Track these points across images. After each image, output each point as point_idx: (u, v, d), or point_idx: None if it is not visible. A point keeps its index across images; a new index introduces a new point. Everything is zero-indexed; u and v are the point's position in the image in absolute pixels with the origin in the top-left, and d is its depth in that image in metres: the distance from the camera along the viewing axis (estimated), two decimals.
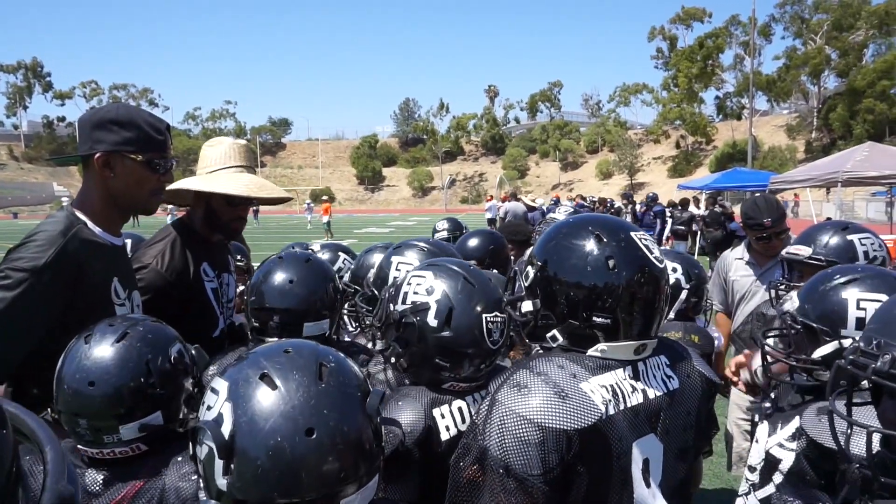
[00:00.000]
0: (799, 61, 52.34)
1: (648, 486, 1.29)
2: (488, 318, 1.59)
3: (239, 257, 3.28)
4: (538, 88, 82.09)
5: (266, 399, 0.94)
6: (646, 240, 1.36)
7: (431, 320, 1.58)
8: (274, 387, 0.95)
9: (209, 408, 0.97)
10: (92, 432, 1.35)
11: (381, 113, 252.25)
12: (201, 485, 0.99)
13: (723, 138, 56.55)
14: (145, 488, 1.34)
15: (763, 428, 1.68)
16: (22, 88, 73.06)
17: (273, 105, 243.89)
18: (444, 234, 3.69)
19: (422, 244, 2.18)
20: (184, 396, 1.46)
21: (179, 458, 1.37)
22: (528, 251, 1.41)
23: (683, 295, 2.57)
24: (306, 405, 0.95)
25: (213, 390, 0.99)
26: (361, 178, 71.92)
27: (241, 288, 2.71)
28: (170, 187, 2.07)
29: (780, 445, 1.58)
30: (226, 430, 0.93)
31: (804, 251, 2.40)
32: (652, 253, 1.34)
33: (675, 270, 2.59)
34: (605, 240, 1.32)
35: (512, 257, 3.47)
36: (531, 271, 1.38)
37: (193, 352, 1.54)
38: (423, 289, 1.62)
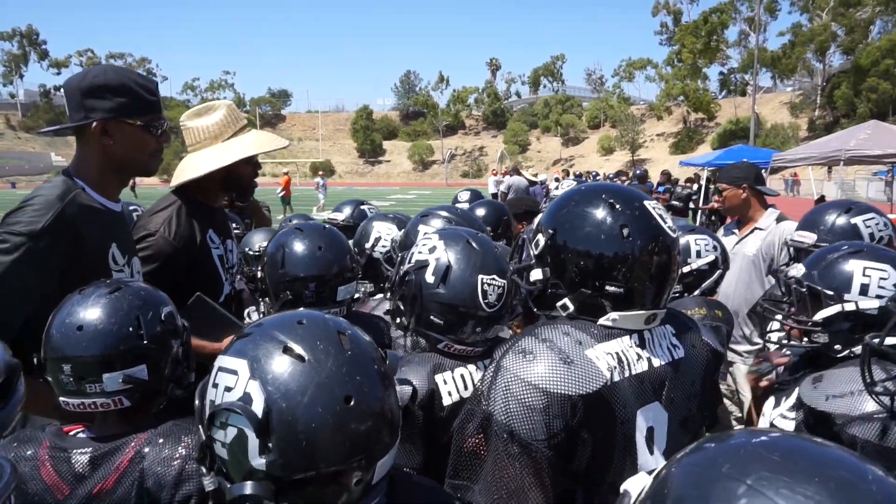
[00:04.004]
0: (804, 38, 51.64)
1: (652, 453, 1.30)
2: (485, 280, 1.61)
3: (234, 225, 3.34)
4: (541, 62, 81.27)
5: (297, 372, 0.94)
6: (659, 209, 1.35)
7: (429, 276, 1.63)
8: (301, 359, 0.95)
9: (228, 389, 0.95)
10: (75, 380, 1.35)
11: (383, 85, 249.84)
12: (203, 470, 0.98)
13: (726, 115, 56.04)
14: (128, 471, 1.33)
15: (769, 402, 1.71)
16: (18, 56, 72.12)
17: (272, 76, 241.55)
18: (466, 205, 3.72)
19: (446, 213, 2.23)
20: (170, 358, 1.45)
21: (160, 440, 1.36)
22: (537, 219, 1.40)
23: (717, 274, 2.60)
24: (339, 374, 0.95)
25: (228, 370, 0.97)
26: (361, 151, 71.46)
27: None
28: (207, 169, 2.14)
29: (783, 416, 1.61)
30: (258, 408, 0.92)
31: (809, 238, 2.39)
32: (665, 222, 1.33)
33: (715, 249, 2.66)
34: (618, 208, 1.30)
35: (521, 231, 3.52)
36: (541, 239, 1.37)
37: (184, 321, 1.54)
38: (427, 249, 1.67)
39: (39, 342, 1.42)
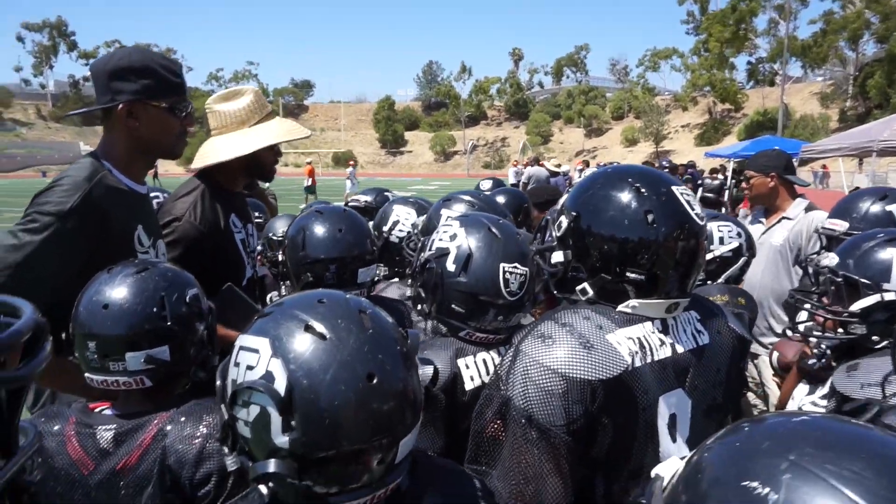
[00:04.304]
0: (837, 26, 50.19)
1: (675, 440, 1.28)
2: (507, 269, 1.59)
3: (257, 214, 3.38)
4: (564, 52, 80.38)
5: (319, 350, 0.93)
6: (687, 195, 1.31)
7: (450, 265, 1.61)
8: (323, 337, 0.94)
9: (250, 367, 0.95)
10: (100, 357, 1.37)
11: (405, 76, 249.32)
12: (225, 449, 0.98)
13: (753, 106, 54.88)
14: (151, 448, 1.35)
15: (801, 388, 1.67)
16: (48, 48, 73.40)
17: (295, 66, 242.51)
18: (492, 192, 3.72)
19: (469, 198, 2.22)
20: (194, 340, 1.46)
21: (182, 419, 1.37)
22: (561, 200, 1.38)
23: (742, 261, 2.54)
24: (360, 352, 0.95)
25: (249, 349, 0.97)
26: (383, 142, 71.50)
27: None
28: (233, 154, 2.16)
29: (814, 404, 1.58)
30: (280, 386, 0.92)
31: (841, 226, 2.33)
32: (693, 209, 1.29)
33: (739, 235, 2.59)
34: (644, 193, 1.27)
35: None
36: (564, 221, 1.34)
37: (209, 303, 1.55)
38: (448, 236, 1.65)
39: (67, 321, 1.44)
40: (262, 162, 2.36)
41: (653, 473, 0.73)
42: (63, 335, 1.68)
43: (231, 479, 1.32)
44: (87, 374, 1.40)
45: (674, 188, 1.30)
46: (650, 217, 1.25)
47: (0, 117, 64.02)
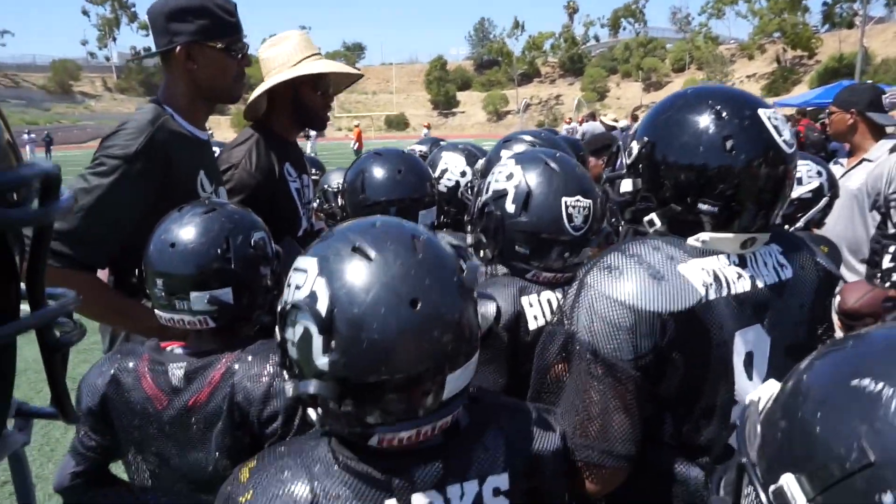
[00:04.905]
0: None
1: (751, 378, 1.21)
2: (569, 203, 1.53)
3: (314, 171, 3.38)
4: (622, 2, 76.78)
5: (363, 270, 0.90)
6: (776, 119, 1.19)
7: (509, 206, 1.55)
8: (369, 259, 0.91)
9: (298, 287, 0.94)
10: (167, 295, 1.40)
11: (456, 35, 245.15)
12: (286, 377, 0.97)
13: (828, 52, 51.24)
14: (220, 386, 1.37)
15: None
16: (111, 20, 75.69)
17: (347, 29, 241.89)
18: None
19: (530, 137, 2.15)
20: (260, 284, 1.46)
21: (250, 358, 1.39)
22: (635, 125, 1.30)
23: (823, 202, 2.38)
24: (407, 275, 0.91)
25: (300, 269, 0.96)
26: (436, 103, 70.97)
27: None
28: (271, 83, 2.13)
29: None
30: (322, 306, 0.89)
31: None
32: (781, 135, 1.17)
33: (819, 174, 2.42)
34: (725, 116, 1.16)
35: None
36: (634, 147, 1.26)
37: (277, 247, 1.55)
38: (504, 176, 1.59)
39: (136, 263, 1.48)
40: (307, 104, 2.31)
41: (747, 399, 0.67)
42: (133, 279, 1.75)
43: (298, 417, 1.35)
44: (157, 311, 1.44)
45: (760, 111, 1.18)
46: (729, 143, 1.15)
47: (70, 90, 66.86)
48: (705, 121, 1.18)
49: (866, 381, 0.53)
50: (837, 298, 2.13)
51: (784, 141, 1.18)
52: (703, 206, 1.19)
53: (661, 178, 1.22)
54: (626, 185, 1.28)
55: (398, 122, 66.70)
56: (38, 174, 0.47)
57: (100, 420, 1.44)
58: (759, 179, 1.17)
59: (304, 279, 0.93)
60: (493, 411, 1.10)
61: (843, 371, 0.57)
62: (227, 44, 1.84)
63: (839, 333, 3.08)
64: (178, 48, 1.79)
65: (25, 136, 31.96)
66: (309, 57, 2.29)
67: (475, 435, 1.04)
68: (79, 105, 65.15)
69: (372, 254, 0.91)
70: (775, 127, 1.18)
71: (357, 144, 23.68)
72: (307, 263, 0.95)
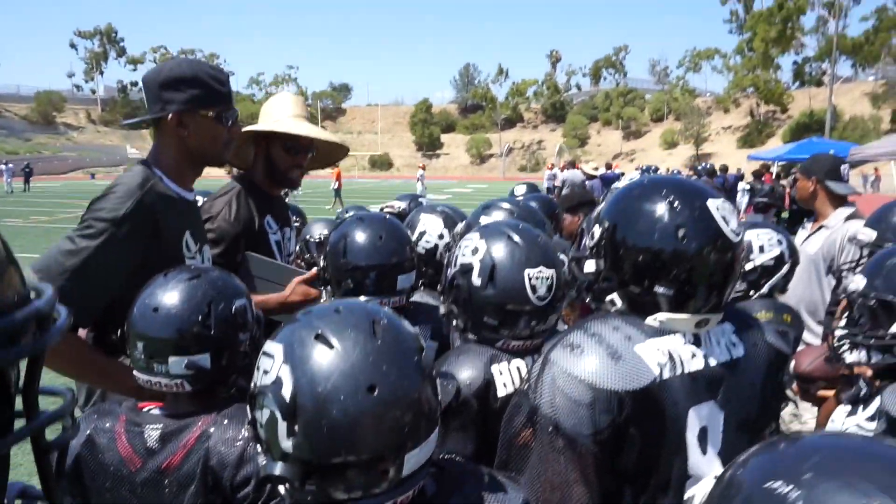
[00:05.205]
0: (890, 23, 48.33)
1: (705, 453, 1.27)
2: (531, 274, 1.60)
3: (295, 218, 3.44)
4: (603, 54, 79.51)
5: (323, 358, 0.95)
6: (724, 209, 1.28)
7: (475, 280, 1.62)
8: (330, 346, 0.96)
9: (266, 372, 0.99)
10: (146, 358, 1.43)
11: (441, 79, 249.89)
12: (259, 450, 1.01)
13: (799, 107, 53.21)
14: (194, 449, 1.38)
15: (841, 410, 1.63)
16: (98, 54, 76.10)
17: (334, 70, 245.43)
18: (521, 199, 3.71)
19: (508, 205, 2.22)
20: (237, 351, 1.49)
21: (226, 422, 1.41)
22: (597, 209, 1.38)
23: (785, 269, 2.47)
24: (365, 362, 0.95)
25: (268, 354, 1.01)
26: (420, 145, 71.85)
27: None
28: (241, 131, 2.18)
29: (859, 426, 1.52)
30: (286, 392, 0.94)
31: (868, 236, 2.25)
32: (728, 224, 1.27)
33: (780, 242, 2.50)
34: (677, 206, 1.25)
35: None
36: (597, 230, 1.35)
37: (259, 312, 1.58)
38: (469, 250, 1.66)
39: (120, 324, 1.51)
40: (275, 162, 2.39)
41: (686, 495, 0.73)
42: (113, 337, 1.77)
43: (270, 484, 1.37)
44: (135, 372, 1.47)
45: (710, 202, 1.27)
46: (681, 232, 1.24)
47: (53, 121, 66.61)
48: (660, 210, 1.26)
49: (778, 484, 0.59)
50: (793, 362, 2.20)
51: (731, 230, 1.27)
52: (660, 289, 1.26)
53: (621, 261, 1.30)
54: (590, 266, 1.35)
55: (382, 163, 67.33)
56: (32, 314, 0.51)
57: (73, 481, 1.44)
58: (710, 265, 1.26)
59: (271, 365, 0.98)
60: (459, 479, 1.14)
61: (766, 471, 0.62)
62: (218, 112, 1.90)
63: (800, 400, 3.17)
64: (171, 115, 1.85)
65: (3, 167, 31.69)
66: (293, 117, 2.39)
67: (441, 502, 1.07)
68: (61, 136, 64.84)
69: (333, 341, 0.97)
70: (723, 217, 1.27)
71: (337, 184, 23.83)
72: (274, 349, 1.00)
